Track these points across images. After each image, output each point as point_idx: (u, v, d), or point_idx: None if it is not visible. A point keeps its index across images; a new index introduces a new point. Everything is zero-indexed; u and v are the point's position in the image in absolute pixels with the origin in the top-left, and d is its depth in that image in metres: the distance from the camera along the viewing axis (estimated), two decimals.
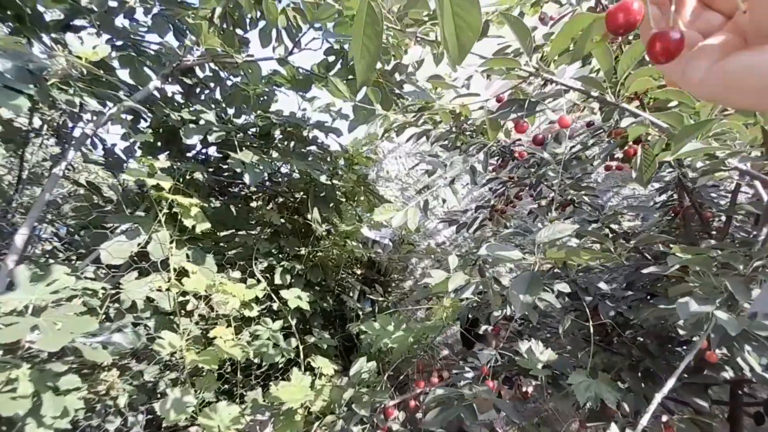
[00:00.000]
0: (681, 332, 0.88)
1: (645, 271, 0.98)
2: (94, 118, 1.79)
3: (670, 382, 0.78)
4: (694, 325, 0.77)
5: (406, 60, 1.47)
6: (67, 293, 1.39)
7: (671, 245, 0.94)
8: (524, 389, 1.34)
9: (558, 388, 1.36)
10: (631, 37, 0.94)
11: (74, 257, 2.16)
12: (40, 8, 1.70)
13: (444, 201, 1.30)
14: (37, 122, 1.94)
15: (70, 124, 1.85)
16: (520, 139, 1.96)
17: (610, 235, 1.63)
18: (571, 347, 1.53)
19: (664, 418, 1.09)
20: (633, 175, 0.85)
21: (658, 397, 0.78)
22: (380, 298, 2.48)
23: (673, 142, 0.57)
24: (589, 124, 1.44)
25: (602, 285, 1.18)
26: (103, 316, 1.56)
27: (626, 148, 1.19)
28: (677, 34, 0.28)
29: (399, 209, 1.25)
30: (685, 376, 1.25)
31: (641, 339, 1.31)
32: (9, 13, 1.62)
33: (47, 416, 1.19)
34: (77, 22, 1.83)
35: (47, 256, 2.22)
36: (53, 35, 1.72)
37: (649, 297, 1.47)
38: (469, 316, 1.68)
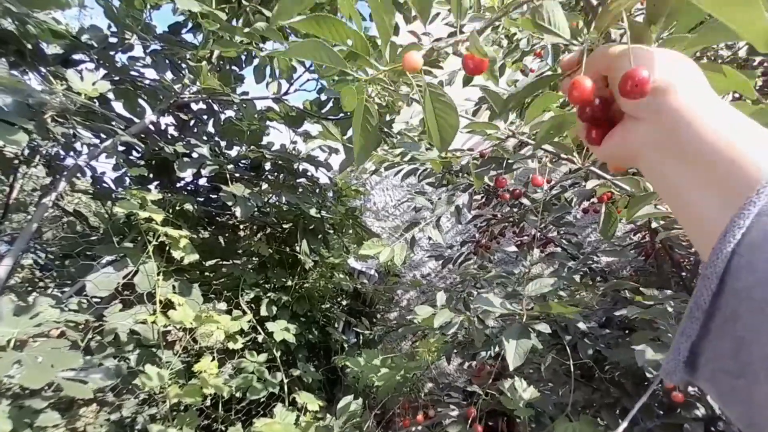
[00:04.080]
0: (648, 374, 0.93)
1: (617, 313, 1.04)
2: (87, 149, 1.82)
3: (626, 422, 0.83)
4: (658, 367, 0.82)
5: (398, 120, 1.56)
6: (50, 326, 1.37)
7: (641, 288, 1.00)
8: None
9: (540, 425, 1.39)
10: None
11: (52, 285, 2.12)
12: (41, 43, 1.74)
13: (429, 238, 1.36)
14: (25, 151, 1.95)
15: (62, 155, 1.86)
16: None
17: (588, 273, 1.71)
18: (552, 383, 1.56)
19: None
20: (598, 229, 0.93)
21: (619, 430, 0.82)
22: (366, 331, 2.48)
23: (629, 206, 0.64)
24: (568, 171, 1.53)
25: (581, 325, 1.24)
26: (83, 349, 1.54)
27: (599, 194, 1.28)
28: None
29: (386, 244, 1.30)
30: (662, 413, 1.30)
31: (618, 376, 1.36)
32: (10, 47, 1.66)
33: None
34: (76, 57, 1.88)
35: (27, 285, 2.18)
36: (52, 69, 1.76)
37: (627, 331, 1.53)
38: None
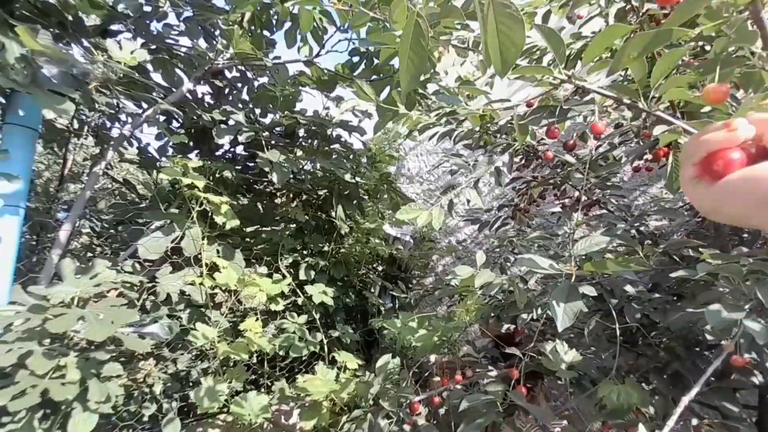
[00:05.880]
0: (708, 337, 0.87)
1: (674, 275, 0.98)
2: (131, 119, 1.87)
3: (698, 386, 0.79)
4: (723, 331, 0.77)
5: (439, 67, 1.48)
6: (108, 286, 1.47)
7: (701, 250, 0.93)
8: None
9: (581, 388, 1.37)
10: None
11: (109, 251, 2.27)
12: (81, 14, 1.78)
13: (468, 201, 1.32)
14: (74, 123, 2.05)
15: (108, 125, 1.93)
16: (543, 139, 1.94)
17: (637, 237, 1.62)
18: (595, 348, 1.53)
19: (694, 422, 1.08)
20: (663, 182, 0.85)
21: (685, 400, 0.79)
22: (402, 295, 2.51)
23: None
24: (617, 126, 1.42)
25: (628, 288, 1.18)
26: (139, 308, 1.65)
27: (655, 149, 1.19)
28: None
29: (423, 209, 1.27)
30: (713, 379, 1.24)
31: (668, 341, 1.30)
32: (52, 19, 1.70)
33: (92, 401, 1.27)
34: (114, 27, 1.91)
35: (85, 250, 2.34)
36: (93, 40, 1.80)
37: (675, 298, 1.45)
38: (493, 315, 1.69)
